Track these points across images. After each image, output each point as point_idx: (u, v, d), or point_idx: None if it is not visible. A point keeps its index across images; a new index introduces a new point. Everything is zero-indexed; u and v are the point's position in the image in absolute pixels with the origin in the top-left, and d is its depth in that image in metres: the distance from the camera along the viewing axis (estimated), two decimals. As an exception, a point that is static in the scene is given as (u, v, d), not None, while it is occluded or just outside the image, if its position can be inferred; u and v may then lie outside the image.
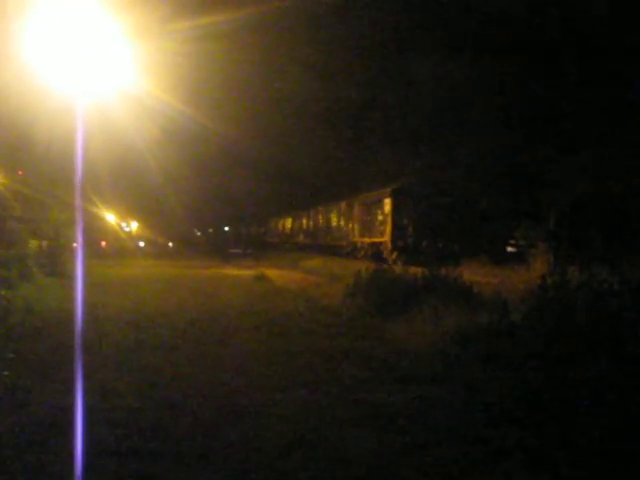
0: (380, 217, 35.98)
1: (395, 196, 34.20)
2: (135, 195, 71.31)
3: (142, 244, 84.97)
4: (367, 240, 37.52)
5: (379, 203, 36.23)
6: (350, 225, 41.18)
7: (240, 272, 34.36)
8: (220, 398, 7.62)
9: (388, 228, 34.15)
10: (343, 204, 43.18)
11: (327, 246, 45.15)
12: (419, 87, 34.95)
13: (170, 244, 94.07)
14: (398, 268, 16.92)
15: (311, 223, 53.17)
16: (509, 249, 33.94)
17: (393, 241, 33.36)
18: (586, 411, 6.74)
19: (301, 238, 55.73)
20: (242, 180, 63.99)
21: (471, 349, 9.50)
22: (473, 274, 19.03)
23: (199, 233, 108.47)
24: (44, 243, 26.63)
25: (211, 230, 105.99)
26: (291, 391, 8.03)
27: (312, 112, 41.30)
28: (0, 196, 33.72)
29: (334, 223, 45.86)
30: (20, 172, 37.93)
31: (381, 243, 34.86)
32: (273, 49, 28.23)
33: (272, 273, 30.84)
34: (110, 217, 70.56)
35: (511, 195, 34.50)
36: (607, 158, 27.13)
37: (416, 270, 16.41)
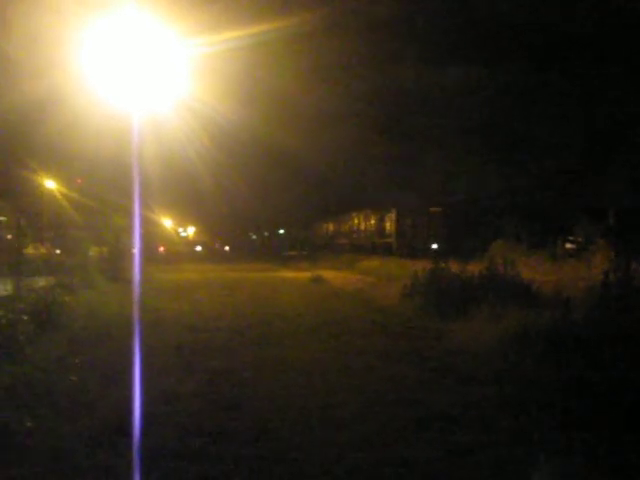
0: (389, 224, 52.92)
1: (399, 209, 50.36)
2: (191, 201, 72.28)
3: (199, 248, 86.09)
4: (381, 240, 53.41)
5: (389, 214, 52.61)
6: (371, 229, 58.24)
7: (296, 274, 34.51)
8: (280, 400, 7.66)
9: (394, 232, 50.73)
10: (368, 212, 58.98)
11: (357, 245, 58.61)
12: (470, 96, 34.88)
13: (226, 248, 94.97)
14: (454, 267, 16.74)
15: (347, 227, 68.28)
16: (568, 246, 33.47)
17: (397, 241, 49.42)
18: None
19: (339, 240, 68.97)
20: (290, 186, 67.53)
21: (532, 349, 9.35)
22: (532, 271, 18.75)
23: (254, 236, 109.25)
24: (104, 249, 27.14)
25: (266, 233, 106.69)
26: (351, 393, 8.02)
27: (360, 123, 41.82)
28: (61, 205, 34.50)
29: (362, 227, 62.31)
30: (79, 180, 38.75)
31: (390, 243, 50.43)
32: (325, 58, 28.22)
33: (328, 275, 30.90)
34: (167, 223, 71.66)
35: (570, 191, 34.02)
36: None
37: (472, 269, 16.26)
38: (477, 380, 8.49)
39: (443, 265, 16.60)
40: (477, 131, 38.19)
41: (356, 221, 64.18)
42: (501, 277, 15.24)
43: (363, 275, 31.27)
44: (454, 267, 16.70)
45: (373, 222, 57.47)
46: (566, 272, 20.75)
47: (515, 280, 15.10)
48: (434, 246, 48.12)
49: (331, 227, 75.98)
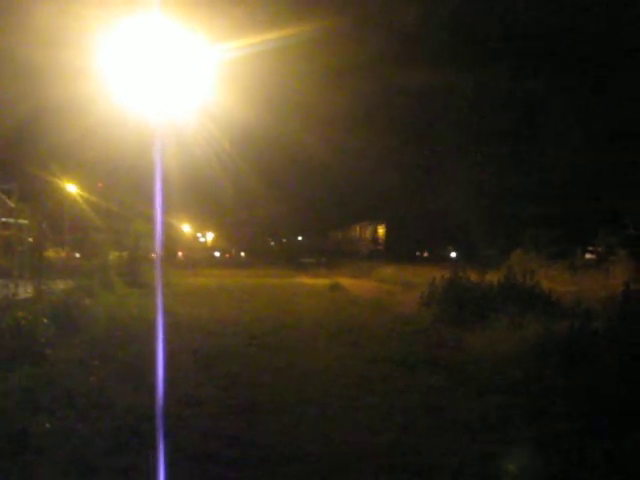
0: (381, 232, 68.94)
1: (388, 222, 65.75)
2: (211, 206, 72.62)
3: (217, 254, 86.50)
4: (375, 248, 66.49)
5: (381, 225, 68.22)
6: (366, 237, 73.95)
7: (314, 281, 34.51)
8: (297, 405, 7.68)
9: (384, 240, 66.69)
10: (365, 223, 73.83)
11: (356, 252, 68.12)
12: (490, 101, 34.84)
13: (242, 254, 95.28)
14: (473, 275, 16.70)
15: (351, 236, 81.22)
16: (588, 256, 33.29)
17: (387, 248, 62.41)
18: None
19: (346, 247, 77.97)
20: (308, 193, 72.20)
21: (551, 359, 9.30)
22: (551, 281, 18.66)
23: (272, 243, 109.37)
24: (124, 254, 27.29)
25: (285, 240, 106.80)
26: (367, 399, 8.03)
27: (376, 130, 41.93)
28: (82, 209, 34.82)
29: (362, 236, 76.35)
30: (100, 185, 39.12)
31: (381, 250, 63.34)
32: (348, 63, 28.20)
33: (346, 282, 30.86)
34: (186, 228, 72.01)
35: (589, 200, 33.85)
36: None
37: (491, 278, 16.22)
38: (495, 389, 8.45)
39: (461, 274, 16.54)
40: (494, 138, 38.03)
41: (358, 231, 78.97)
42: (520, 287, 15.18)
43: (380, 282, 31.23)
44: (472, 276, 16.65)
45: (369, 232, 73.87)
46: (586, 282, 20.64)
47: (534, 290, 15.03)
48: (452, 254, 49.48)
49: (340, 236, 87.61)
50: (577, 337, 9.62)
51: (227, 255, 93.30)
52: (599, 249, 31.52)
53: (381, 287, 27.83)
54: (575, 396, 7.73)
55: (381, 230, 69.21)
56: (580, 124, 32.44)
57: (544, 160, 36.05)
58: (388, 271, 35.73)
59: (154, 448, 5.94)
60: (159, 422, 6.59)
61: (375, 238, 70.81)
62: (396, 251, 53.71)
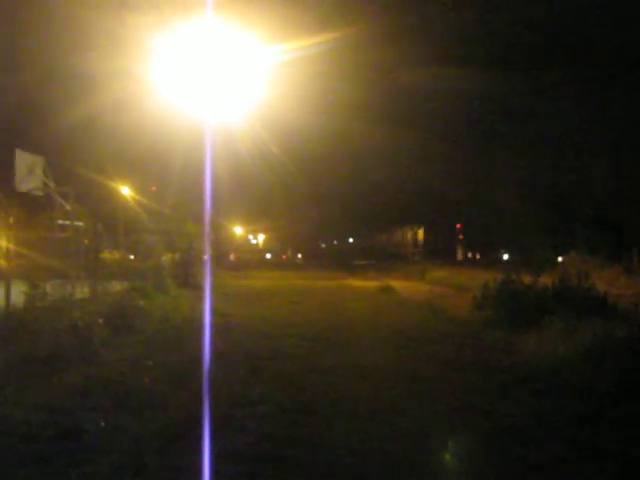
0: (420, 236, 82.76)
1: (425, 227, 79.55)
2: (262, 208, 73.19)
3: (269, 256, 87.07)
4: (414, 250, 78.37)
5: (420, 230, 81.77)
6: (408, 240, 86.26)
7: (365, 283, 34.45)
8: (350, 404, 7.68)
9: (421, 243, 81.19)
10: (406, 228, 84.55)
11: (404, 255, 77.45)
12: (543, 103, 34.43)
13: (299, 256, 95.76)
14: (527, 278, 16.44)
15: (398, 238, 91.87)
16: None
17: (424, 250, 72.78)
18: None
19: (392, 249, 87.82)
20: (357, 196, 75.70)
21: (608, 363, 9.09)
22: (606, 284, 18.29)
23: (323, 245, 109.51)
24: (177, 255, 27.59)
25: (335, 242, 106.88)
26: (420, 401, 7.97)
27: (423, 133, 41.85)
28: (135, 211, 35.33)
29: (403, 239, 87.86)
30: (154, 188, 39.71)
31: (420, 252, 72.55)
32: (402, 66, 28.08)
33: (397, 284, 30.75)
34: (238, 230, 72.58)
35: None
36: None
37: (545, 281, 15.96)
38: (550, 393, 8.31)
39: (514, 276, 16.30)
40: (548, 138, 37.49)
41: (401, 234, 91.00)
42: (575, 289, 14.89)
43: (433, 285, 31.04)
44: (526, 278, 16.39)
45: (410, 236, 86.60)
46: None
47: (590, 293, 14.74)
48: (505, 256, 49.01)
49: (385, 238, 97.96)
50: (634, 342, 9.39)
51: (284, 257, 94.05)
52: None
53: (433, 290, 27.66)
54: (631, 402, 7.55)
55: (420, 233, 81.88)
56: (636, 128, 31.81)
57: (600, 162, 35.42)
58: (440, 274, 35.52)
59: (206, 448, 5.98)
60: (211, 422, 6.63)
61: (415, 241, 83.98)
62: (435, 253, 61.10)
